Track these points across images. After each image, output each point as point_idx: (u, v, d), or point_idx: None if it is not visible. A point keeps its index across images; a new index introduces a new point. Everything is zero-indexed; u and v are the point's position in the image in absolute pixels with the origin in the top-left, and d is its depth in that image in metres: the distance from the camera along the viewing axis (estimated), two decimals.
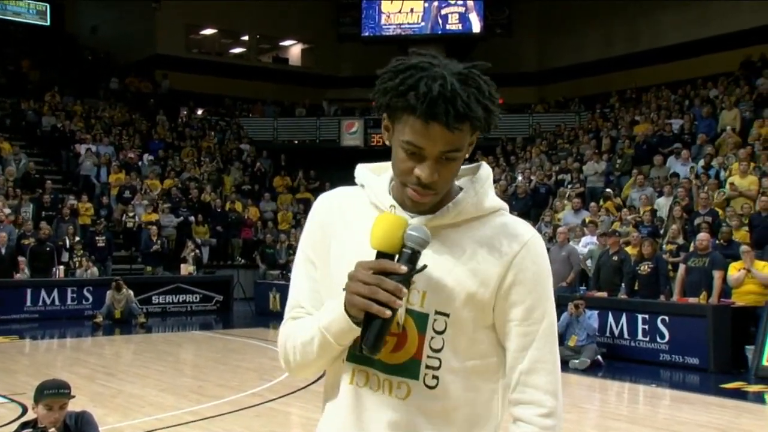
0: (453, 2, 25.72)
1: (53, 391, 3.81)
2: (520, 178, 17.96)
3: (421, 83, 1.44)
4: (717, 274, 9.94)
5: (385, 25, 25.97)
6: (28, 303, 14.15)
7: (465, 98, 1.44)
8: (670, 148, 16.25)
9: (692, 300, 9.95)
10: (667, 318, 9.79)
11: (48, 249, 14.86)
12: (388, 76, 1.49)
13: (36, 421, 3.84)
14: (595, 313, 9.99)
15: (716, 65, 20.18)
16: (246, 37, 28.81)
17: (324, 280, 1.62)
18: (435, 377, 1.53)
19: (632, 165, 16.45)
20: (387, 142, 1.55)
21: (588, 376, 9.17)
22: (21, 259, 14.53)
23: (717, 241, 10.97)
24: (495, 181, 17.92)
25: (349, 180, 1.74)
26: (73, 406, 3.99)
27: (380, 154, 1.58)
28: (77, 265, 15.23)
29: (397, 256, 1.47)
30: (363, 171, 1.67)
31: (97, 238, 16.11)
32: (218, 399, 7.43)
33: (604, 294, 10.97)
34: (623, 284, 11.01)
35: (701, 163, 15.08)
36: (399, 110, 1.47)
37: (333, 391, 1.61)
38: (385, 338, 1.45)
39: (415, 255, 1.46)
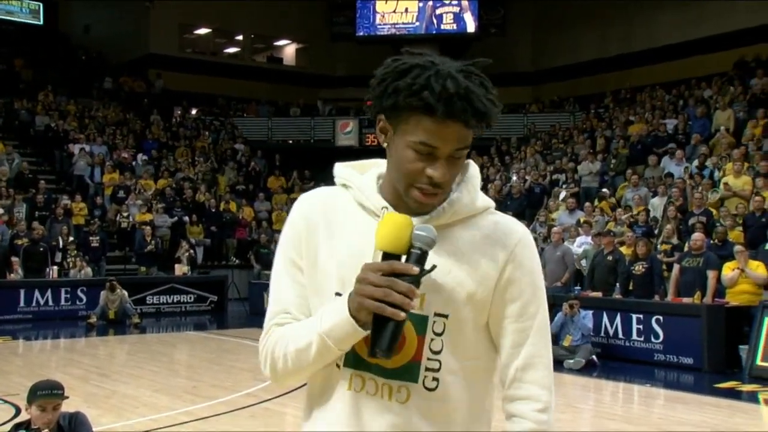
0: (448, 2, 25.74)
1: (46, 392, 3.79)
2: (514, 178, 17.98)
3: (434, 82, 1.42)
4: (711, 274, 9.96)
5: (380, 24, 25.97)
6: (22, 303, 14.10)
7: (480, 95, 1.44)
8: (665, 148, 16.29)
9: (686, 300, 9.97)
10: (661, 318, 9.81)
11: (41, 249, 14.82)
12: (392, 76, 1.46)
13: (29, 422, 3.82)
14: (590, 313, 10.00)
15: (710, 66, 20.25)
16: (240, 37, 28.81)
17: (311, 284, 1.57)
18: (435, 379, 1.52)
19: (627, 165, 16.49)
20: (384, 145, 1.52)
21: (583, 376, 9.17)
22: (14, 259, 14.48)
23: (711, 241, 10.99)
24: (490, 181, 17.99)
25: None
26: (67, 406, 3.97)
27: (375, 153, 1.56)
28: (71, 265, 15.18)
29: (404, 257, 1.44)
30: (345, 170, 1.63)
31: (90, 238, 16.05)
32: (213, 399, 7.42)
33: (598, 294, 10.98)
34: (618, 284, 11.02)
35: (695, 163, 15.12)
36: (407, 110, 1.45)
37: (322, 397, 1.57)
38: (399, 340, 1.43)
39: (424, 255, 1.43)
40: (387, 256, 1.44)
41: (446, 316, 1.51)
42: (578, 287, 11.85)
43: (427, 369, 1.51)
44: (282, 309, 1.59)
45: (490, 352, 1.59)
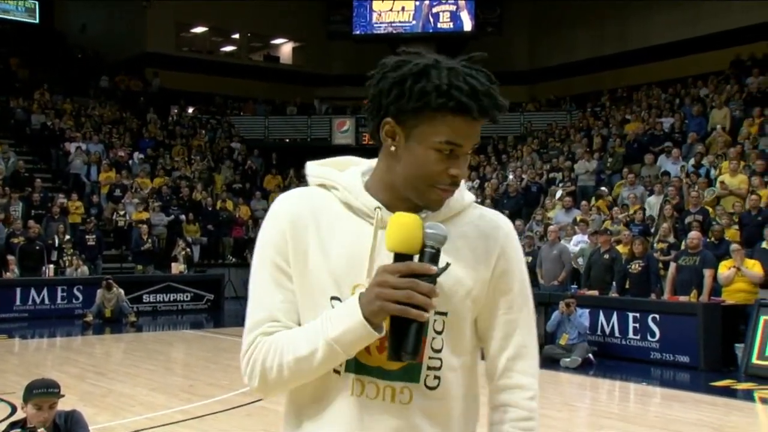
0: (444, 1, 25.74)
1: (42, 391, 3.78)
2: (511, 176, 17.99)
3: (457, 81, 1.41)
4: (707, 273, 9.98)
5: (377, 23, 25.97)
6: (18, 302, 14.07)
7: (497, 90, 1.46)
8: (661, 147, 16.31)
9: (683, 298, 9.98)
10: (657, 316, 9.82)
11: (38, 248, 14.79)
12: (412, 78, 1.42)
13: (25, 420, 3.82)
14: (586, 311, 10.00)
15: (706, 64, 20.28)
16: (237, 36, 28.77)
17: (301, 288, 1.51)
18: (437, 377, 1.51)
19: (623, 163, 16.51)
20: (392, 149, 1.47)
21: (579, 374, 9.16)
22: (10, 257, 14.45)
23: (708, 240, 11.01)
24: (487, 180, 18.02)
25: None
26: (63, 405, 3.97)
27: (372, 152, 1.53)
28: (67, 263, 15.15)
29: (416, 257, 1.41)
30: (323, 169, 1.58)
31: (87, 236, 16.03)
32: (209, 398, 7.41)
33: (595, 292, 10.99)
34: (614, 283, 11.04)
35: (692, 161, 15.14)
36: (431, 111, 1.42)
37: (319, 405, 1.52)
38: (422, 341, 1.42)
39: (437, 254, 1.41)
40: (399, 256, 1.40)
41: (445, 314, 1.51)
42: (575, 286, 11.86)
43: (429, 368, 1.51)
44: (268, 317, 1.53)
45: (476, 346, 1.61)
